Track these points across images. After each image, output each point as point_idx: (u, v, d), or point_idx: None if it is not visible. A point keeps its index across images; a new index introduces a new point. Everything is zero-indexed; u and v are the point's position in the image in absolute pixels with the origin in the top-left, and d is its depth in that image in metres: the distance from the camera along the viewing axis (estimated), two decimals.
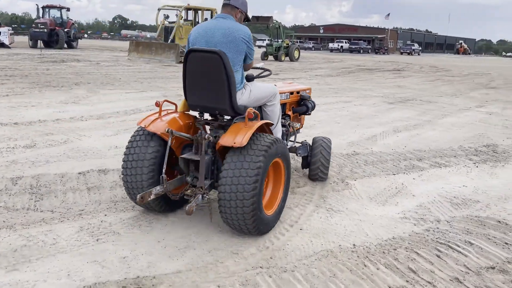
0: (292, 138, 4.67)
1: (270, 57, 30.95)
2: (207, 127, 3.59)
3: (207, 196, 3.18)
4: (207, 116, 3.65)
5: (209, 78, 3.25)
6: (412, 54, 63.70)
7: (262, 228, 3.24)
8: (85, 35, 77.97)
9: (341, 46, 63.95)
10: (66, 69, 16.18)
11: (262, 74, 4.03)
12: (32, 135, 6.20)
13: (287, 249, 3.22)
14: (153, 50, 23.19)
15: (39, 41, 30.40)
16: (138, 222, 3.55)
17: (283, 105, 4.44)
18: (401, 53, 65.96)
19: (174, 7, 24.89)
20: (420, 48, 74.24)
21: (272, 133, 3.53)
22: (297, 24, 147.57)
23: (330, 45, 66.92)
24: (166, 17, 24.46)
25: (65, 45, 31.58)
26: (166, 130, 3.17)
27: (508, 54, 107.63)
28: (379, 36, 76.40)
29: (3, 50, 26.97)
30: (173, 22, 24.27)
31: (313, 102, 4.73)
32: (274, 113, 3.76)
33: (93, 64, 19.29)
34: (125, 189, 3.45)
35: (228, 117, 3.55)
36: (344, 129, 7.58)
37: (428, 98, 12.83)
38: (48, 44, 30.99)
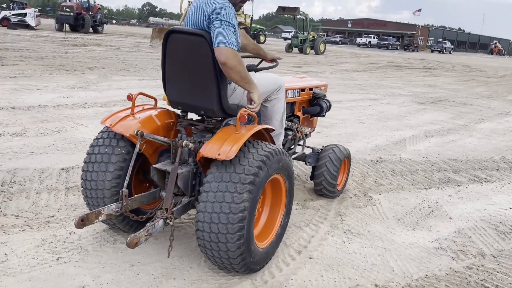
0: (300, 144, 3.90)
1: (295, 50, 30.06)
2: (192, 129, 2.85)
3: (171, 223, 2.38)
4: (193, 115, 2.90)
5: (192, 67, 2.55)
6: (443, 52, 61.46)
7: (251, 265, 2.49)
8: (113, 21, 78.36)
9: (369, 42, 62.16)
10: (84, 53, 15.78)
11: (268, 65, 3.27)
12: (25, 121, 5.68)
13: (290, 286, 2.55)
14: None
15: (65, 24, 30.38)
16: (114, 236, 2.93)
17: (292, 104, 3.69)
18: (432, 51, 63.71)
19: None
20: (452, 46, 71.63)
21: (272, 140, 2.77)
22: (324, 18, 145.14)
23: (358, 39, 65.17)
24: (190, 3, 23.83)
25: (91, 30, 31.40)
26: (135, 132, 2.49)
27: None
28: (409, 32, 74.03)
29: (27, 31, 26.95)
30: None
31: (328, 101, 3.95)
32: (276, 110, 3.02)
33: (113, 49, 18.88)
34: (85, 203, 2.77)
35: (219, 118, 2.78)
36: (369, 131, 6.81)
37: (462, 99, 11.86)
38: (74, 28, 30.90)
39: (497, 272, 2.88)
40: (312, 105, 3.89)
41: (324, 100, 3.87)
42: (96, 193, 2.58)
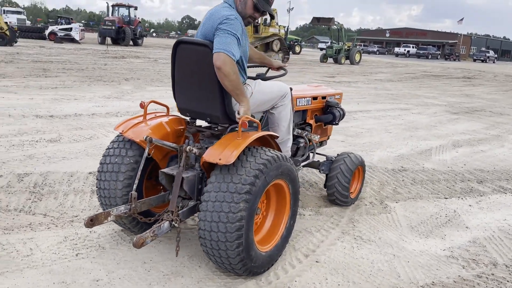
0: (312, 153, 3.92)
1: (330, 60, 29.97)
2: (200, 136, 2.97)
3: (176, 225, 2.51)
4: (203, 122, 3.03)
5: (198, 76, 2.69)
6: (486, 62, 59.44)
7: (253, 269, 2.57)
8: (153, 34, 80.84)
9: (408, 51, 60.94)
10: (122, 65, 16.43)
11: (277, 74, 3.36)
12: (61, 129, 6.03)
13: (294, 287, 2.62)
14: None
15: (107, 37, 31.68)
16: (130, 236, 3.10)
17: (303, 112, 3.76)
18: (474, 60, 61.75)
19: None
20: (496, 55, 69.16)
21: (277, 146, 2.86)
22: (362, 28, 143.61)
23: (396, 49, 64.01)
24: None
25: (131, 42, 32.56)
26: (144, 137, 2.62)
27: None
28: (450, 41, 72.05)
29: (72, 45, 28.33)
30: None
31: (342, 110, 3.98)
32: (283, 117, 3.09)
33: (151, 61, 19.53)
34: (100, 204, 2.94)
35: (226, 125, 2.87)
36: (395, 140, 6.76)
37: (500, 109, 11.49)
38: (115, 41, 32.19)
39: (507, 281, 2.83)
40: (325, 113, 3.94)
41: (337, 109, 3.91)
42: (109, 195, 2.75)
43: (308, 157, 3.76)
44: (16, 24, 34.33)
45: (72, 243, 2.96)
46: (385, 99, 11.85)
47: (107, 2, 34.35)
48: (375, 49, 67.27)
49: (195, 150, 2.56)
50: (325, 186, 3.84)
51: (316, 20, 28.92)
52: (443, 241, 3.38)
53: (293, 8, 49.04)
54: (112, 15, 33.12)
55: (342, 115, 3.96)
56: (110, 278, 2.59)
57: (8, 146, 5.04)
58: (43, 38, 32.09)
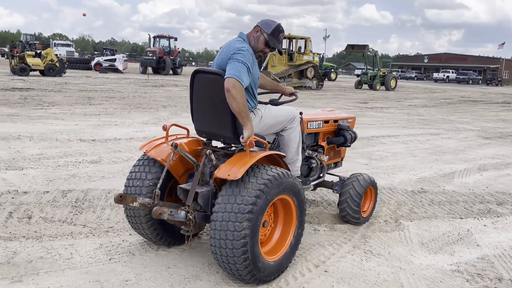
0: (328, 173, 4.19)
1: (365, 86, 30.06)
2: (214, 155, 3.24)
3: (190, 216, 2.85)
4: (218, 143, 3.36)
5: (212, 101, 3.05)
6: None
7: (262, 278, 2.82)
8: (193, 63, 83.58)
9: (447, 76, 59.97)
10: (161, 93, 17.28)
11: (288, 99, 3.69)
12: (101, 151, 6.57)
13: None
14: None
15: (148, 67, 33.25)
16: (157, 245, 3.45)
17: (315, 134, 4.02)
18: None
19: None
20: None
21: (285, 165, 3.13)
22: (401, 54, 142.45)
23: (435, 75, 63.11)
24: None
25: (171, 72, 33.96)
26: (171, 144, 2.97)
27: None
28: (492, 66, 70.33)
29: (116, 74, 29.86)
30: None
31: (353, 132, 4.21)
32: (292, 138, 3.38)
33: (188, 89, 20.32)
34: (126, 216, 3.29)
35: (238, 145, 3.18)
36: (419, 164, 6.87)
37: None
38: (156, 70, 33.72)
39: None
40: (337, 136, 4.19)
41: (348, 132, 4.15)
42: (133, 208, 3.11)
43: (319, 177, 4.00)
44: (65, 56, 36.72)
45: (107, 250, 3.33)
46: (416, 124, 11.89)
47: (149, 34, 36.30)
48: (413, 75, 66.56)
49: (207, 167, 2.89)
50: (338, 205, 4.07)
51: (351, 47, 29.26)
52: (451, 257, 3.52)
53: (329, 35, 49.75)
54: (153, 46, 34.79)
55: (354, 138, 4.20)
56: (137, 279, 2.93)
57: (55, 166, 5.58)
58: (90, 68, 34.03)
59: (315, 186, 4.10)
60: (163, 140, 3.25)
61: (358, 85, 29.92)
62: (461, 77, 58.17)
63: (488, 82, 58.71)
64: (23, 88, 15.81)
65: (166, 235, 3.29)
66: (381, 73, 29.78)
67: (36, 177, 5.06)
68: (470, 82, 57.22)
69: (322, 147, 4.08)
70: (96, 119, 9.65)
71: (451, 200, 5.04)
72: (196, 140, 3.38)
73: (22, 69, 21.97)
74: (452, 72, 61.50)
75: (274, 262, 2.94)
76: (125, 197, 2.75)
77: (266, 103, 3.47)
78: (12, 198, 4.32)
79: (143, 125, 9.28)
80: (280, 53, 3.62)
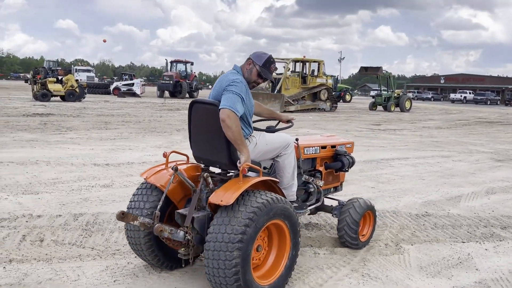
0: (327, 197, 4.28)
1: (379, 108, 30.06)
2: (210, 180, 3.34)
3: (189, 237, 2.98)
4: (216, 169, 3.48)
5: (209, 130, 3.22)
6: None
7: None
8: (209, 86, 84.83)
9: (464, 97, 59.46)
10: (176, 117, 17.63)
11: (284, 126, 3.86)
12: (114, 175, 6.79)
13: None
14: (260, 100, 24.18)
15: (165, 91, 33.96)
16: (161, 268, 3.58)
17: (313, 160, 4.14)
18: None
19: (282, 59, 25.92)
20: None
21: (280, 190, 3.25)
22: (417, 74, 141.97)
23: (452, 95, 62.67)
24: (288, 67, 25.52)
25: (187, 95, 34.59)
26: (171, 167, 3.14)
27: None
28: (510, 86, 69.50)
29: (134, 98, 30.55)
30: (280, 74, 25.17)
31: (351, 157, 4.31)
32: (287, 164, 3.51)
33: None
34: (126, 238, 3.42)
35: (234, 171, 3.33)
36: (426, 187, 6.90)
37: None
38: (173, 94, 34.40)
39: None
40: (335, 161, 4.30)
41: (346, 157, 4.25)
42: (134, 236, 3.28)
43: (317, 201, 4.09)
44: (85, 81, 37.74)
45: (112, 272, 3.49)
46: (428, 147, 11.88)
47: (166, 59, 37.13)
48: (430, 96, 66.23)
49: (200, 192, 3.04)
50: (337, 230, 4.15)
51: (364, 69, 29.46)
52: (448, 280, 3.56)
53: (344, 57, 50.29)
54: (170, 70, 35.61)
55: (352, 163, 4.30)
56: None
57: (69, 190, 5.81)
58: (108, 93, 34.92)
59: (316, 210, 4.20)
60: (163, 166, 3.42)
61: (373, 106, 29.95)
62: (478, 97, 57.63)
63: (506, 102, 57.90)
64: (44, 113, 16.35)
65: (165, 258, 3.42)
66: (395, 94, 29.80)
67: (50, 201, 5.28)
68: (488, 102, 56.61)
69: (320, 172, 4.19)
70: (111, 144, 9.95)
71: (455, 223, 5.07)
72: (195, 166, 3.54)
73: (43, 95, 22.72)
74: (470, 93, 60.96)
75: (269, 285, 3.04)
76: (127, 215, 2.92)
77: (262, 130, 3.64)
78: (27, 221, 4.53)
79: (156, 149, 9.52)
80: (272, 82, 3.80)
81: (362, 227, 4.12)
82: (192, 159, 3.58)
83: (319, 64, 26.68)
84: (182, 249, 3.08)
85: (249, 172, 3.18)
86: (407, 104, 29.90)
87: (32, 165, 7.23)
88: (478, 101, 56.78)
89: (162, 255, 3.38)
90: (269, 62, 3.34)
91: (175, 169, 3.15)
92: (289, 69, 25.58)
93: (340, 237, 4.10)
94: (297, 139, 3.76)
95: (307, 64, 26.56)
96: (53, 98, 23.56)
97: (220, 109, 3.02)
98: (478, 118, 26.62)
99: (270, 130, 3.68)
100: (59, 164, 7.39)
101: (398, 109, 29.48)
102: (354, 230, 3.98)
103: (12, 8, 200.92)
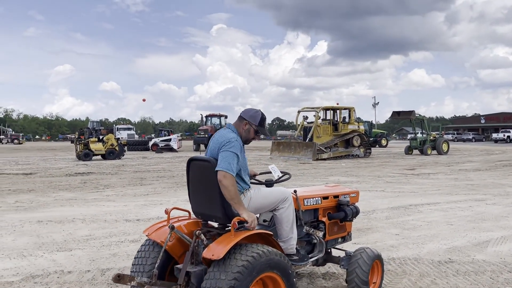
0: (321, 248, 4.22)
1: (416, 152, 29.56)
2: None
3: None
4: (215, 224, 3.59)
5: (205, 185, 3.43)
6: None
7: None
8: None
9: (508, 136, 57.45)
10: None
11: (281, 178, 4.02)
12: (143, 230, 7.07)
13: None
14: (292, 149, 24.49)
15: (201, 144, 34.98)
16: None
17: (315, 211, 4.19)
18: None
19: (313, 108, 26.36)
20: None
21: (276, 243, 3.34)
22: (457, 115, 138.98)
23: (494, 135, 60.74)
24: (305, 118, 25.95)
25: None
26: (169, 226, 3.28)
27: None
28: None
29: (171, 153, 31.56)
30: (312, 122, 25.52)
31: (355, 207, 4.34)
32: (285, 217, 3.61)
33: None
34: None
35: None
36: (453, 232, 6.76)
37: None
38: None
39: None
40: (338, 211, 4.37)
41: (349, 207, 4.28)
42: None
43: (320, 252, 4.07)
44: (126, 138, 39.48)
45: None
46: (462, 190, 11.59)
47: (201, 114, 38.58)
48: (470, 137, 64.42)
49: (203, 239, 3.18)
50: (346, 282, 4.14)
51: (396, 114, 29.35)
52: None
53: (378, 102, 50.57)
54: (205, 124, 36.82)
55: (355, 213, 4.34)
56: None
57: (99, 246, 6.13)
58: (147, 149, 36.29)
59: (324, 261, 4.25)
60: (165, 223, 3.61)
61: (408, 150, 29.53)
62: None
63: None
64: (85, 172, 17.23)
65: None
66: (431, 137, 29.34)
67: (81, 257, 5.60)
68: None
69: (324, 222, 4.21)
70: (144, 199, 10.36)
71: (478, 270, 4.95)
72: (195, 221, 3.69)
73: (86, 155, 23.97)
74: None
75: None
76: (123, 277, 3.08)
77: (261, 183, 3.84)
78: (58, 277, 4.83)
79: (186, 202, 9.77)
80: (267, 136, 4.03)
81: (370, 277, 4.11)
82: (194, 214, 3.78)
83: (349, 111, 26.90)
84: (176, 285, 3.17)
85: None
86: (444, 147, 29.28)
87: (69, 223, 7.67)
88: None
89: None
90: (262, 120, 3.65)
91: (172, 228, 3.27)
92: (320, 117, 25.91)
93: None
94: (295, 191, 3.91)
95: (338, 111, 26.86)
96: (94, 157, 24.77)
97: (217, 171, 3.25)
98: None
99: (268, 183, 3.87)
100: (93, 221, 7.79)
101: (435, 152, 28.90)
102: (365, 281, 3.99)
103: (62, 75, 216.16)
